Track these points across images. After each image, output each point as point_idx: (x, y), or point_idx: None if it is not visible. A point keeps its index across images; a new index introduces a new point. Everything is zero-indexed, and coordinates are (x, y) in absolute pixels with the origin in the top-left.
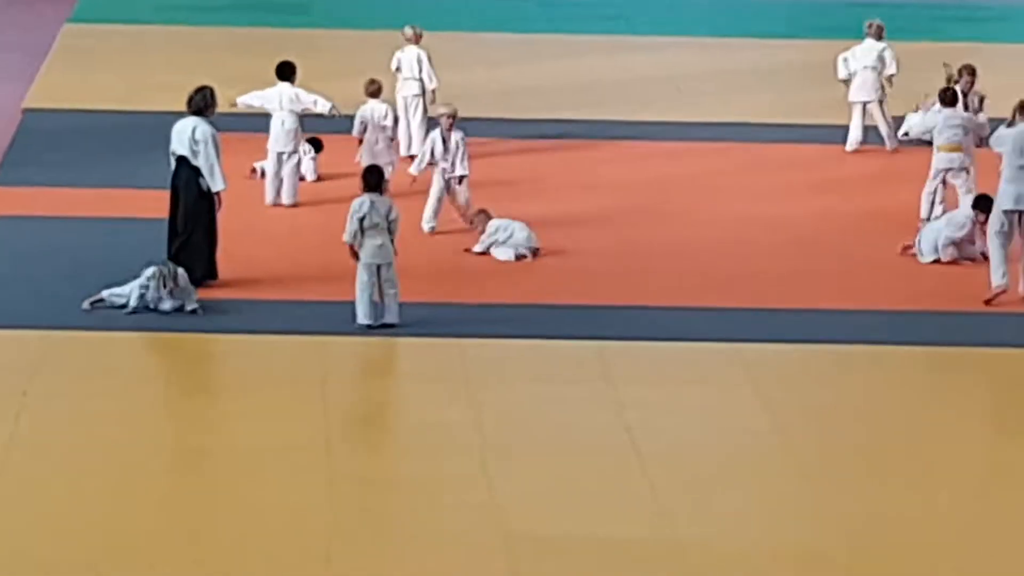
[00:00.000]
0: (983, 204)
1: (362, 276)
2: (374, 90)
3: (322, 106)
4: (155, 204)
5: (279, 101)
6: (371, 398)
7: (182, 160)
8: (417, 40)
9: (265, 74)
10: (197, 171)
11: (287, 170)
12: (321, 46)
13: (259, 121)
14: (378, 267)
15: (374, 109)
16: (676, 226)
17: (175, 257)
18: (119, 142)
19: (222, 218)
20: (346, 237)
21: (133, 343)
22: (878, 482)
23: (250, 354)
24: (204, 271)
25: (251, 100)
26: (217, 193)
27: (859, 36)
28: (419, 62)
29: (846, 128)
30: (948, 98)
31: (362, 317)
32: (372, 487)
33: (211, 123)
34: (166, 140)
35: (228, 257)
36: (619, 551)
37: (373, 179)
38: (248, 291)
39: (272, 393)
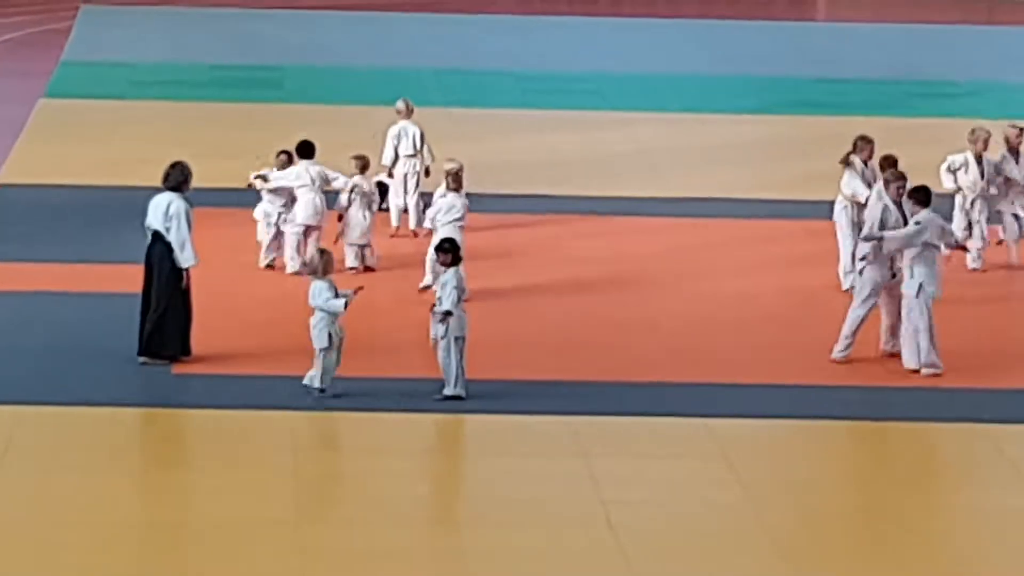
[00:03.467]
0: None
1: (456, 348)
2: (363, 165)
3: (342, 182)
4: (129, 279)
5: (309, 178)
6: (343, 472)
7: (157, 235)
8: (409, 114)
9: (240, 146)
10: (170, 247)
11: (311, 240)
12: (294, 120)
13: (239, 196)
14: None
15: (360, 184)
16: (649, 301)
17: (151, 333)
18: (94, 217)
19: (209, 289)
20: (449, 306)
21: (104, 418)
22: (853, 557)
23: (225, 429)
24: (177, 347)
25: (279, 182)
26: (187, 269)
27: (830, 111)
28: (419, 137)
29: (815, 202)
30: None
31: (459, 388)
32: (343, 561)
33: (186, 199)
34: (141, 214)
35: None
36: None
37: (455, 252)
38: (227, 366)
39: (243, 468)
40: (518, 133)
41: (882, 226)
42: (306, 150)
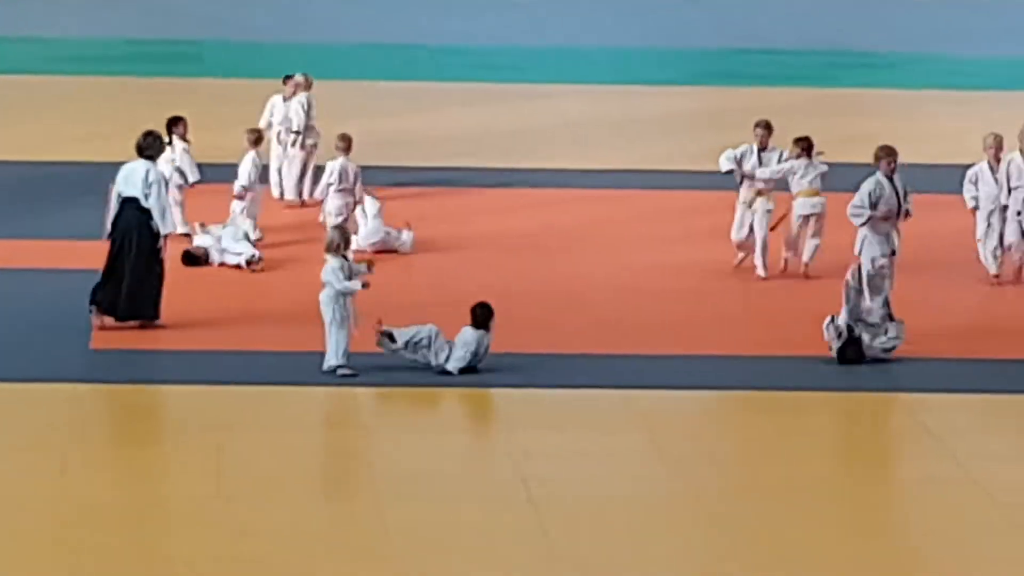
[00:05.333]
0: None
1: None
2: (256, 138)
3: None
4: (67, 255)
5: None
6: (266, 448)
7: (129, 203)
8: (308, 87)
9: (159, 122)
10: (146, 213)
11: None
12: (214, 95)
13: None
14: None
15: (255, 158)
16: (573, 273)
17: (129, 298)
18: (20, 194)
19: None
20: (453, 367)
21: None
22: (779, 529)
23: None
24: (154, 312)
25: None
26: (167, 236)
27: (752, 82)
28: (304, 111)
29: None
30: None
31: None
32: (260, 537)
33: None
34: (74, 190)
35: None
36: None
37: (485, 317)
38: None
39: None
40: (441, 107)
41: (874, 204)
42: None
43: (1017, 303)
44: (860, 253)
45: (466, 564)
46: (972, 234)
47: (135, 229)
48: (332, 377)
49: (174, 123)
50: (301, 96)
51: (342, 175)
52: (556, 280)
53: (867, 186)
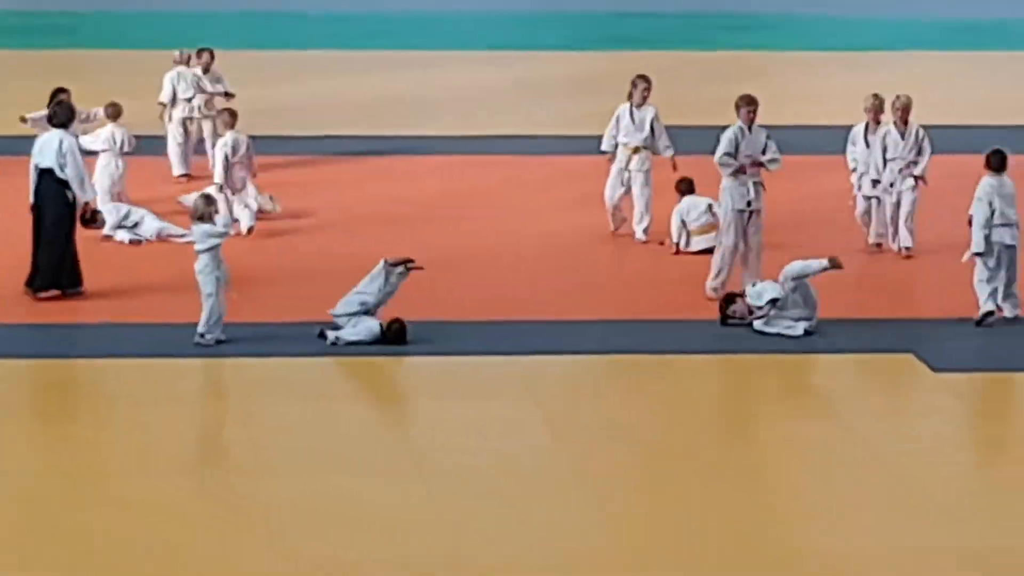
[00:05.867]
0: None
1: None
2: (116, 112)
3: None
4: None
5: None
6: (149, 418)
7: (45, 174)
8: (187, 62)
9: (36, 96)
10: (62, 183)
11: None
12: (91, 67)
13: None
14: None
15: (114, 132)
16: (451, 240)
17: (49, 268)
18: None
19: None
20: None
21: None
22: (663, 493)
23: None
24: (72, 279)
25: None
26: (87, 203)
27: (635, 46)
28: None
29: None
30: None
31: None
32: (139, 509)
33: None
34: None
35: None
36: (407, 571)
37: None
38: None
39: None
40: (327, 75)
41: (736, 150)
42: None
43: (895, 264)
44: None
45: (353, 535)
46: (851, 194)
47: (51, 199)
48: (212, 348)
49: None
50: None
51: (235, 147)
52: (440, 247)
53: (728, 134)
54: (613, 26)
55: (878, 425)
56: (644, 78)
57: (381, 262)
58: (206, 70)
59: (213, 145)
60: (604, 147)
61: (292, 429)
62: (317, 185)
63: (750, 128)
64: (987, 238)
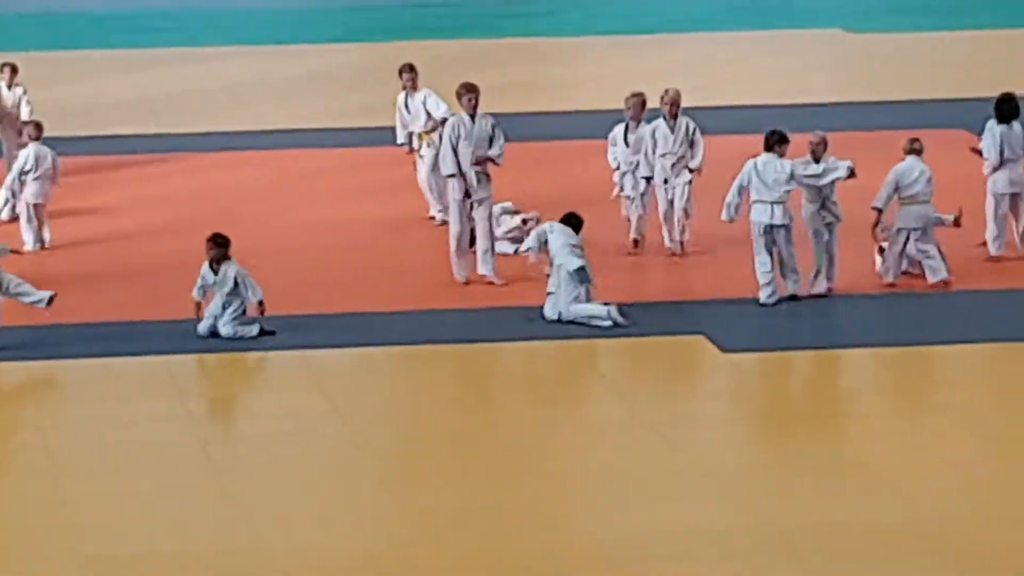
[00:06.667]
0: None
1: None
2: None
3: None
4: None
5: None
6: None
7: None
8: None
9: None
10: None
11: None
12: None
13: None
14: None
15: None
16: (238, 236)
17: None
18: None
19: None
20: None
21: None
22: (454, 479)
23: None
24: None
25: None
26: None
27: (415, 36)
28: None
29: (393, 130)
30: None
31: None
32: None
33: None
34: None
35: None
36: (204, 564)
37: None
38: None
39: None
40: (102, 74)
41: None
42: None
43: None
44: None
45: (150, 529)
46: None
47: None
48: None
49: None
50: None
51: (39, 160)
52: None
53: (449, 124)
54: (397, 16)
55: (669, 407)
56: (409, 67)
57: None
58: (9, 86)
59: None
60: (399, 140)
61: (90, 428)
62: (108, 184)
63: (473, 117)
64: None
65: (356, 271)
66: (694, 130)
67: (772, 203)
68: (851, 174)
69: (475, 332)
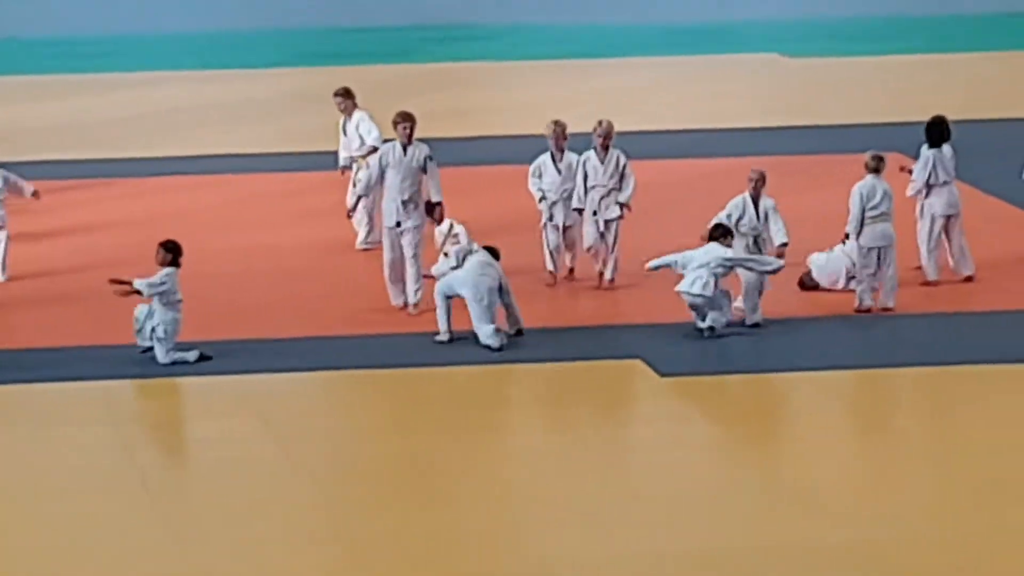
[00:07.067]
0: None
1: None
2: None
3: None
4: None
5: None
6: None
7: None
8: None
9: None
10: None
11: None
12: None
13: None
14: None
15: None
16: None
17: None
18: None
19: None
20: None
21: None
22: (392, 503)
23: None
24: None
25: None
26: None
27: (349, 61)
28: None
29: (336, 153)
30: None
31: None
32: None
33: None
34: None
35: None
36: None
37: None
38: None
39: None
40: (34, 100)
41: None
42: None
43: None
44: None
45: (83, 556)
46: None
47: None
48: None
49: None
50: None
51: None
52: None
53: (381, 150)
54: (332, 41)
55: (606, 431)
56: (345, 91)
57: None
58: None
59: None
60: (340, 163)
61: (24, 453)
62: (44, 209)
63: (405, 148)
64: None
65: (294, 296)
66: (625, 164)
67: (697, 278)
68: (777, 271)
69: (411, 357)
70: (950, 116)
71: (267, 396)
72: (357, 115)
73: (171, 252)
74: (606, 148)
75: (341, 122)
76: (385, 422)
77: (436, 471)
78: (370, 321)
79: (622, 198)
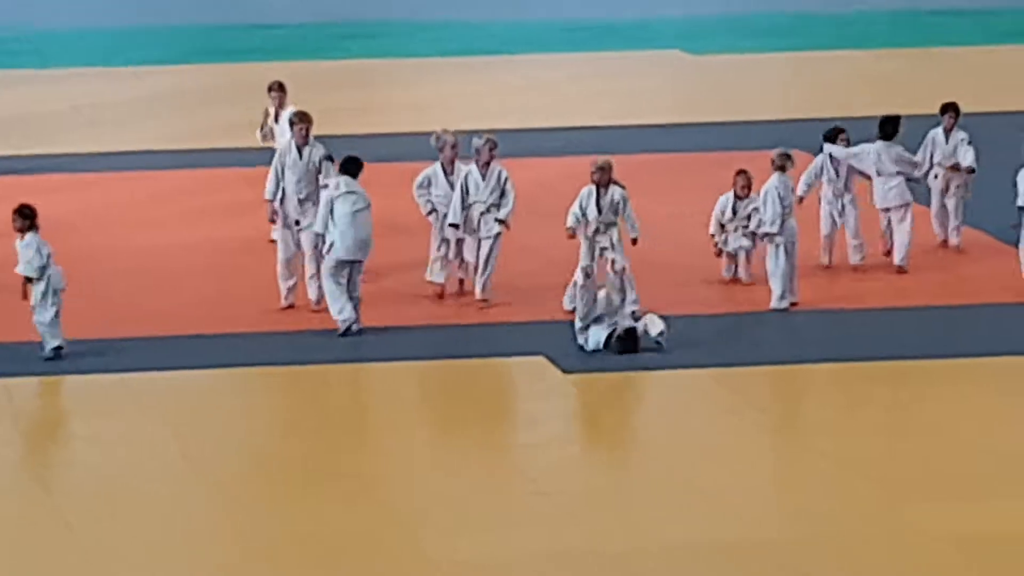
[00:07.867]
0: None
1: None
2: None
3: None
4: None
5: None
6: None
7: None
8: None
9: None
10: None
11: None
12: None
13: None
14: None
15: None
16: (87, 260)
17: None
18: None
19: None
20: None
21: None
22: (298, 501)
23: None
24: None
25: None
26: None
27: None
28: None
29: (248, 151)
30: None
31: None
32: None
33: None
34: None
35: None
36: None
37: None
38: None
39: None
40: None
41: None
42: None
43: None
44: None
45: None
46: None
47: None
48: None
49: None
50: None
51: None
52: (72, 266)
53: (280, 150)
54: (241, 37)
55: (509, 428)
56: (278, 84)
57: None
58: None
59: None
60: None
61: None
62: None
63: (300, 150)
64: None
65: (193, 294)
66: (506, 179)
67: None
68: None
69: (309, 354)
70: (855, 113)
71: (166, 394)
72: (288, 110)
73: (28, 218)
74: (487, 164)
75: (273, 112)
76: (285, 421)
77: (336, 470)
78: (267, 319)
79: (501, 215)
